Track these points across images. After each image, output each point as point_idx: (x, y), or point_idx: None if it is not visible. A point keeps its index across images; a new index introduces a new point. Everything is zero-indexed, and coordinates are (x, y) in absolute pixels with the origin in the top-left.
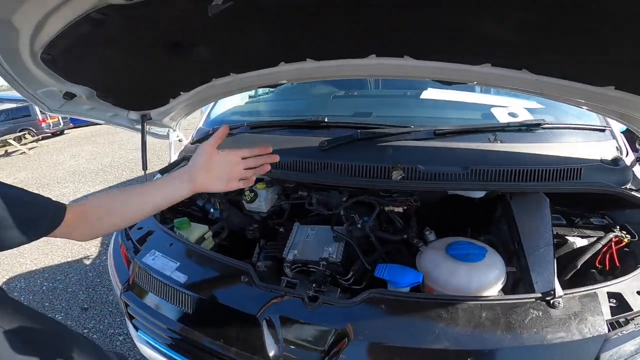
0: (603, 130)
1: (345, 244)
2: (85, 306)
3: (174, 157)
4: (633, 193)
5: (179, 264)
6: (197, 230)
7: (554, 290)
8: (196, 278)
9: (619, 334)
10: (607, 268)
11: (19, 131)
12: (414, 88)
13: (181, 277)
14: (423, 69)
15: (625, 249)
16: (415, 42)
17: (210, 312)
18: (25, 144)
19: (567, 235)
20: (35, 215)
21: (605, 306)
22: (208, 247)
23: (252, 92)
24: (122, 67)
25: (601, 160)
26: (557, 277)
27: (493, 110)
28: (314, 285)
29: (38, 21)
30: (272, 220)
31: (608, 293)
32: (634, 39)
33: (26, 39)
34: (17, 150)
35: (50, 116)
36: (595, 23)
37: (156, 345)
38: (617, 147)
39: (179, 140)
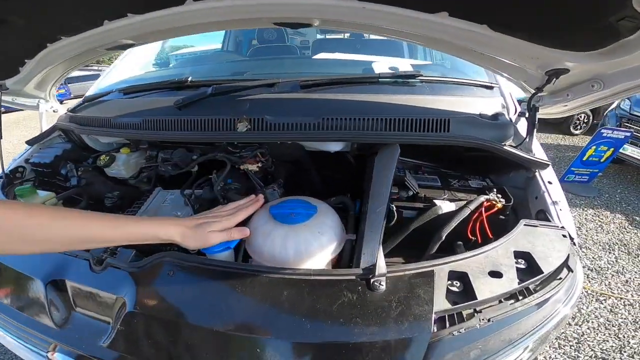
0: (491, 88)
1: (200, 208)
2: None
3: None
4: (507, 148)
5: None
6: (38, 198)
7: (375, 266)
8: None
9: (454, 333)
10: (480, 240)
11: None
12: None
13: None
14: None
15: (501, 216)
16: None
17: (7, 278)
18: None
19: (435, 199)
20: None
21: (441, 292)
22: None
23: (155, 62)
24: None
25: (479, 115)
26: (424, 251)
27: (374, 65)
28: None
29: None
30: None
31: (451, 272)
32: None
33: None
34: None
35: None
36: None
37: None
38: (503, 104)
39: (54, 111)
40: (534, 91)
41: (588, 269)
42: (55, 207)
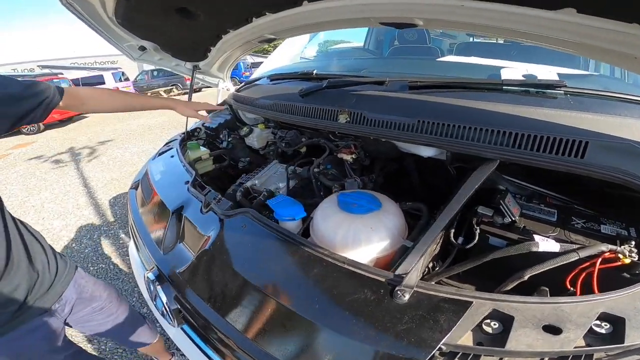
0: None
1: (296, 183)
2: None
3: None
4: None
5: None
6: (198, 152)
7: (405, 275)
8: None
9: None
10: (578, 294)
11: (171, 85)
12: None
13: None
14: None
15: (625, 274)
16: None
17: (152, 202)
18: (171, 96)
19: (537, 234)
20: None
21: (469, 327)
22: (205, 168)
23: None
24: (167, 29)
25: None
26: (497, 287)
27: (504, 71)
28: (218, 196)
29: None
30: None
31: (495, 311)
32: None
33: (100, 8)
34: None
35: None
36: None
37: None
38: None
39: (227, 90)
40: None
41: None
42: (119, 91)
